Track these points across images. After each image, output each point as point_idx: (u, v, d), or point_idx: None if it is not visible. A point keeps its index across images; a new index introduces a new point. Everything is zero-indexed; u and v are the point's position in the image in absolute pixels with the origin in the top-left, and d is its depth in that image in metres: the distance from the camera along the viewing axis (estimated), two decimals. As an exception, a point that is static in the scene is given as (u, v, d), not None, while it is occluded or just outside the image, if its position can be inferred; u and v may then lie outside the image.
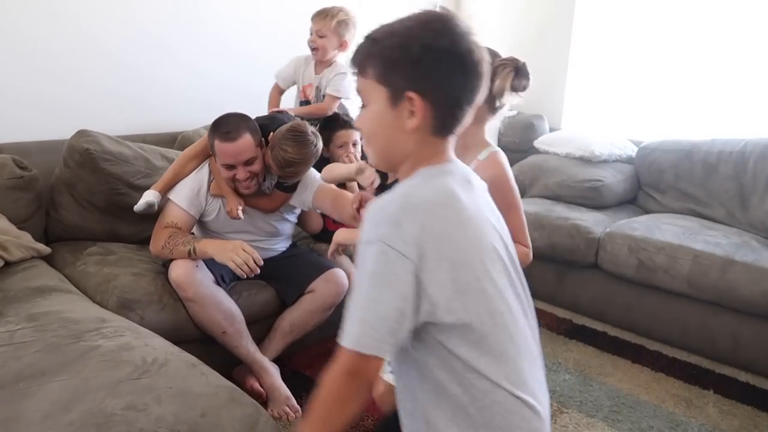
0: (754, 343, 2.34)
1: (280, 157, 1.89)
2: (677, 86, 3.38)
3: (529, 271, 3.19)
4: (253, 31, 2.97)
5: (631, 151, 3.34)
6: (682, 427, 2.01)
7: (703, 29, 3.24)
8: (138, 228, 2.26)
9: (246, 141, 1.90)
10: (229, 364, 2.04)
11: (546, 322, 2.77)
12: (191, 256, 1.89)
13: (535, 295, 3.17)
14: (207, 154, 2.03)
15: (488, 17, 4.12)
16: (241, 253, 1.82)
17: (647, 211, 3.19)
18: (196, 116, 2.69)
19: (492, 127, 1.44)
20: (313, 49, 2.42)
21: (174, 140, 2.56)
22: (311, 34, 2.41)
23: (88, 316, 1.56)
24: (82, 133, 2.14)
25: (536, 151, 3.57)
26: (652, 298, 2.61)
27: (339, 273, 2.17)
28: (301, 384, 2.11)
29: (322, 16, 2.37)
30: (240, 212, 1.98)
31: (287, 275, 2.11)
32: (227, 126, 1.89)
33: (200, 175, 2.03)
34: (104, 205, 2.19)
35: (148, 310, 1.86)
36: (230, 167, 1.93)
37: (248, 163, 1.92)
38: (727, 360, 2.43)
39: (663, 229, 2.71)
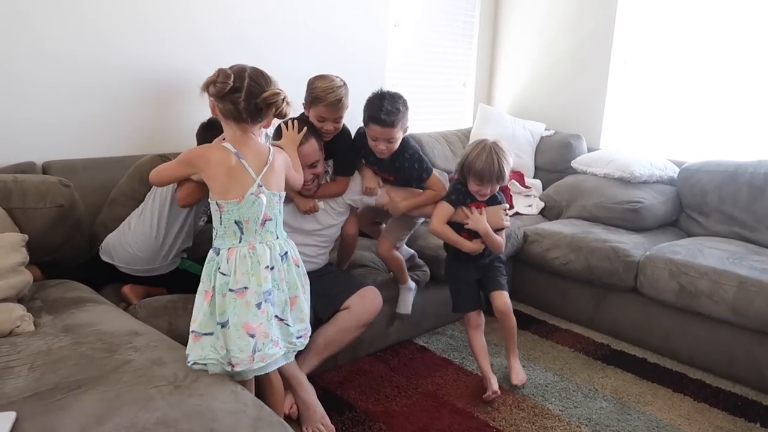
0: (805, 375, 2.23)
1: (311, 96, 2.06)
2: (720, 105, 3.29)
3: (565, 293, 3.15)
4: (294, 52, 3.03)
5: (673, 171, 3.26)
6: (726, 461, 1.92)
7: (747, 47, 3.16)
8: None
9: (312, 145, 2.01)
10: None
11: (583, 347, 2.70)
12: None
13: (572, 318, 3.12)
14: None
15: (525, 36, 4.11)
16: None
17: (690, 235, 3.09)
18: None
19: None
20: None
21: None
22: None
23: (121, 329, 1.59)
24: (161, 157, 2.18)
25: (574, 172, 3.51)
26: (695, 324, 2.52)
27: (374, 291, 2.20)
28: (332, 403, 2.10)
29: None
30: (319, 204, 2.15)
31: (323, 292, 2.10)
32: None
33: None
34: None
35: (175, 315, 1.90)
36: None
37: (312, 165, 2.03)
38: (776, 392, 2.33)
39: (706, 253, 2.62)
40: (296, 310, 1.62)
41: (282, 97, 1.53)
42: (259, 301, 1.49)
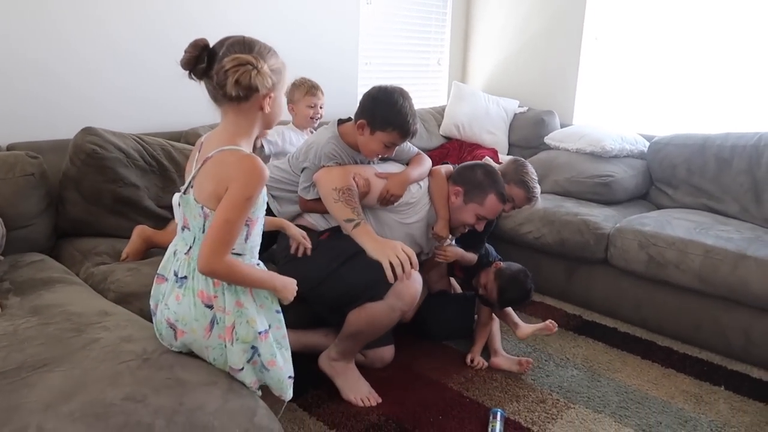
0: (767, 339, 2.30)
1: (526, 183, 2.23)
2: (689, 80, 3.34)
3: (538, 267, 3.17)
4: (267, 29, 2.99)
5: (643, 146, 3.30)
6: (691, 423, 1.98)
7: (716, 22, 3.20)
8: (147, 223, 2.25)
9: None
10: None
11: (555, 318, 2.72)
12: (347, 229, 1.87)
13: (545, 291, 3.17)
14: None
15: (498, 13, 4.11)
16: (400, 253, 1.77)
17: (659, 207, 3.15)
18: (199, 116, 2.70)
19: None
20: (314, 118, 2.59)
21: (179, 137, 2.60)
22: (313, 107, 2.56)
23: (90, 309, 1.58)
24: (87, 131, 2.16)
25: (547, 147, 3.54)
26: (663, 293, 2.58)
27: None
28: (310, 377, 2.11)
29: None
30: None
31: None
32: (503, 186, 2.11)
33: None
34: (111, 202, 2.20)
35: (146, 301, 1.87)
36: (481, 219, 2.10)
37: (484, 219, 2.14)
38: (740, 356, 2.39)
39: (674, 224, 2.67)
40: (182, 344, 1.36)
41: (244, 62, 1.20)
42: (155, 303, 1.42)
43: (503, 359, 2.28)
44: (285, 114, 2.21)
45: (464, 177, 2.11)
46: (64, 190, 2.19)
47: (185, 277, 1.33)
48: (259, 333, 1.34)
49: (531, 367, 2.24)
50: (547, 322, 2.28)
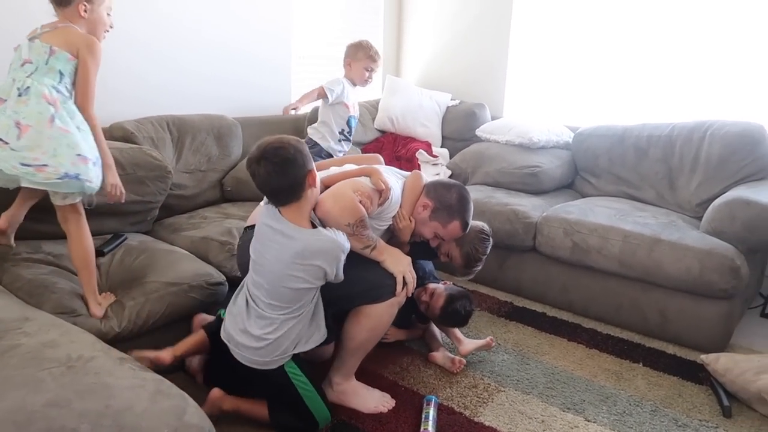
0: (680, 317, 2.46)
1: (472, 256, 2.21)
2: (611, 74, 3.50)
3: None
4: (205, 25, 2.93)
5: (568, 137, 3.45)
6: (612, 399, 2.10)
7: (635, 20, 3.36)
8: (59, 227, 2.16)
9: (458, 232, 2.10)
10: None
11: (488, 306, 2.85)
12: (364, 254, 1.87)
13: (479, 280, 3.25)
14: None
15: (429, 9, 4.17)
16: (411, 272, 1.91)
17: (583, 195, 3.30)
18: (126, 112, 2.64)
19: None
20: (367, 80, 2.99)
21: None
22: (369, 71, 2.95)
23: (10, 315, 1.52)
24: None
25: (478, 139, 3.64)
26: (587, 278, 2.71)
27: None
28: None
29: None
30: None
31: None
32: (470, 215, 2.09)
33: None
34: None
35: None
36: (438, 237, 2.10)
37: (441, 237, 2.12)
38: (656, 334, 2.55)
39: (596, 211, 2.81)
40: (27, 139, 1.68)
41: None
42: None
43: (440, 355, 2.32)
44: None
45: (438, 194, 2.07)
46: None
47: (28, 88, 1.71)
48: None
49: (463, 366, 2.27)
50: (488, 339, 2.33)
